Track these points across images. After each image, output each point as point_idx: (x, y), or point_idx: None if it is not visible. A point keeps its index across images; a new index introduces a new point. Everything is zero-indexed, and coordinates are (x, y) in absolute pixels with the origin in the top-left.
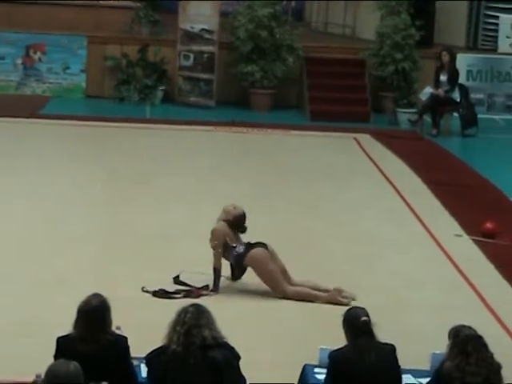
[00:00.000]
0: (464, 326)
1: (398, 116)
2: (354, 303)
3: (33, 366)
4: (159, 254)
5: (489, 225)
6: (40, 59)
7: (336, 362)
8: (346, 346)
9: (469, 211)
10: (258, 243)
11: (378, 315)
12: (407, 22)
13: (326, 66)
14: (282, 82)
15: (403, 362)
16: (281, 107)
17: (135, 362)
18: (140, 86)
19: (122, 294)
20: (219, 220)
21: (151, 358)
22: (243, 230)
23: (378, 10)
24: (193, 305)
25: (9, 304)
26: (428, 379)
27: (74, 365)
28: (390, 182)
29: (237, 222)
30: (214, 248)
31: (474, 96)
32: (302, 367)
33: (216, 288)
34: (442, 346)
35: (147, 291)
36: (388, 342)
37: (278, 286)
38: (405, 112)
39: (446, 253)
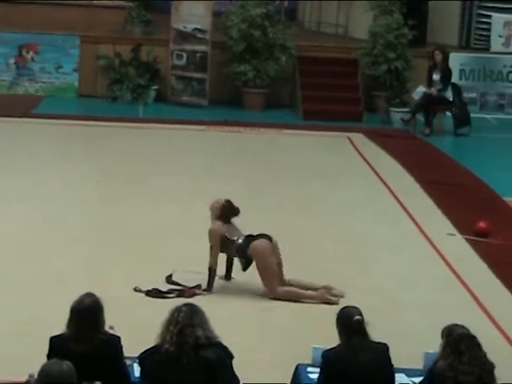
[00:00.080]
0: (457, 325)
1: (390, 115)
2: (344, 301)
3: (29, 365)
4: (152, 253)
5: (482, 224)
6: (33, 59)
7: (329, 361)
8: (339, 345)
9: (461, 210)
10: (262, 235)
11: (372, 314)
12: (400, 21)
13: (318, 66)
14: (274, 82)
15: (396, 361)
16: (274, 106)
17: (128, 362)
18: (133, 86)
19: (115, 293)
20: (212, 220)
21: (144, 358)
22: (236, 212)
23: (371, 10)
24: (186, 304)
25: (4, 304)
26: (421, 378)
27: (66, 364)
28: (383, 182)
29: (226, 213)
30: (211, 248)
31: (466, 95)
32: (294, 367)
33: (210, 288)
34: (435, 345)
35: (140, 291)
36: (381, 341)
37: (270, 282)
38: (398, 111)
39: (438, 252)
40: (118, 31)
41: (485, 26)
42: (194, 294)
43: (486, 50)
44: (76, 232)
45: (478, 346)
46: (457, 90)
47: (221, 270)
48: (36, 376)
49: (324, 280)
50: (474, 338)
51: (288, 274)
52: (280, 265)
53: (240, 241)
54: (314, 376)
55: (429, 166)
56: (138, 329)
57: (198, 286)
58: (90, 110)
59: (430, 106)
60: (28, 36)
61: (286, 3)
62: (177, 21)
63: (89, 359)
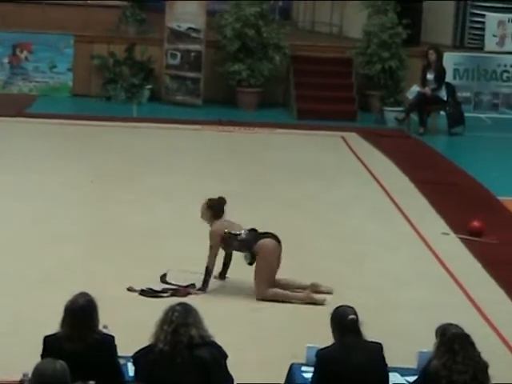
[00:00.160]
0: (451, 325)
1: (384, 114)
2: (338, 301)
3: (19, 363)
4: (146, 252)
5: (476, 223)
6: (27, 58)
7: (323, 360)
8: (333, 344)
9: (456, 210)
10: (272, 234)
11: (366, 313)
12: (394, 20)
13: (312, 65)
14: (268, 81)
15: (390, 361)
16: (268, 106)
17: (122, 361)
18: (127, 85)
19: (108, 292)
20: (210, 223)
21: (138, 357)
22: (222, 202)
23: (365, 9)
24: (180, 304)
25: None
26: (415, 377)
27: (60, 364)
28: (377, 181)
29: (215, 209)
30: (210, 248)
31: (460, 94)
32: (288, 366)
33: (204, 287)
34: (429, 344)
35: (133, 290)
36: (375, 340)
37: (262, 283)
38: (392, 110)
39: (433, 251)
40: (112, 31)
41: (479, 26)
42: (188, 294)
43: (480, 49)
44: (69, 231)
45: (472, 345)
46: (451, 89)
47: (217, 268)
48: (30, 375)
49: (318, 279)
50: (467, 337)
51: (281, 273)
52: (277, 268)
53: (244, 235)
54: (308, 375)
55: (423, 166)
56: (132, 328)
57: (192, 286)
58: (84, 109)
59: (424, 105)
60: (22, 35)
61: (280, 2)
62: (171, 20)
63: (83, 358)
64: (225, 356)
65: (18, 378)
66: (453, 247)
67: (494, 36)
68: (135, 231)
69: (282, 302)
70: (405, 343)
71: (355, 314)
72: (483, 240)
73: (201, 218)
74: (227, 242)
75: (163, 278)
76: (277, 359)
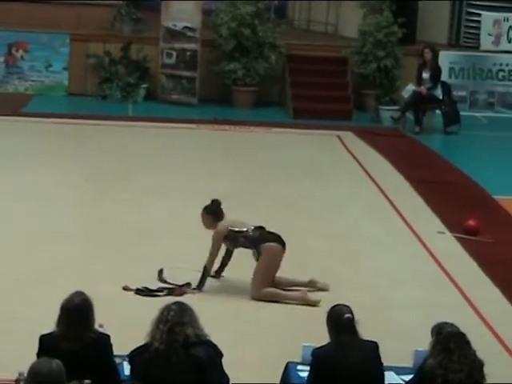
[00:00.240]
0: (446, 324)
1: (380, 113)
2: (334, 299)
3: (14, 362)
4: (142, 251)
5: (471, 222)
6: (22, 57)
7: (319, 359)
8: (329, 343)
9: (451, 208)
10: (278, 237)
11: (361, 312)
12: (389, 19)
13: (308, 64)
14: (264, 80)
15: (386, 359)
16: (263, 105)
17: (118, 360)
18: (122, 84)
19: (104, 291)
20: (215, 226)
21: (134, 356)
22: (217, 203)
23: (361, 8)
24: (176, 303)
25: None
26: (411, 376)
27: (56, 363)
28: (373, 180)
29: (213, 211)
30: (211, 248)
31: (456, 93)
32: (284, 365)
33: (200, 286)
34: (424, 343)
35: (129, 289)
36: (371, 339)
37: (259, 283)
38: (387, 109)
39: (428, 250)
40: (108, 29)
41: (474, 25)
42: (184, 293)
43: (476, 48)
44: (65, 230)
45: (468, 343)
46: (446, 88)
47: (214, 267)
48: (26, 374)
49: (314, 278)
50: (463, 335)
51: (278, 272)
52: (277, 269)
53: (250, 232)
54: (304, 374)
55: (418, 164)
56: (127, 327)
57: (188, 285)
58: (80, 108)
59: (420, 104)
60: (18, 34)
61: (275, 1)
62: (166, 19)
63: (78, 357)
64: (220, 355)
65: (14, 377)
66: (448, 246)
67: (490, 35)
68: (131, 230)
69: (277, 301)
70: (400, 342)
71: (351, 312)
72: (479, 239)
73: (207, 228)
74: (232, 239)
75: (160, 274)
76: (272, 358)
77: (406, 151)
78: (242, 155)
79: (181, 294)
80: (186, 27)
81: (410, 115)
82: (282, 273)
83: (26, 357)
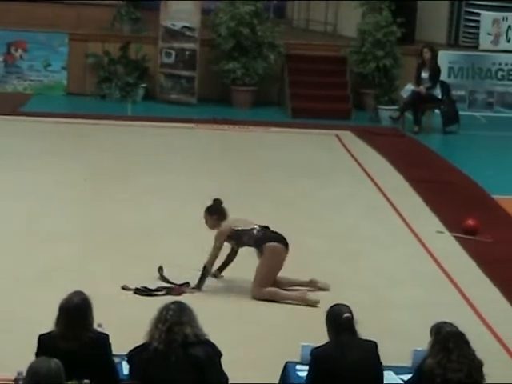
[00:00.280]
0: (445, 323)
1: (379, 113)
2: (333, 299)
3: (13, 362)
4: (141, 251)
5: (470, 222)
6: (21, 56)
7: (318, 358)
8: (328, 342)
9: (450, 208)
10: (282, 238)
11: (360, 312)
12: (388, 19)
13: (307, 64)
14: (263, 79)
15: (385, 359)
16: (262, 104)
17: (117, 360)
18: (121, 84)
19: (103, 291)
20: (219, 226)
21: (133, 356)
22: (219, 202)
23: (360, 8)
24: (174, 302)
25: None
26: (410, 376)
27: (55, 362)
28: (372, 179)
29: (215, 211)
30: (213, 248)
31: (455, 93)
32: (283, 365)
33: (200, 286)
34: (423, 342)
35: (128, 289)
36: (370, 338)
37: (258, 284)
38: (386, 109)
39: (427, 250)
40: (107, 29)
41: (473, 24)
42: (183, 292)
43: (475, 47)
44: (64, 229)
45: (467, 343)
46: (445, 87)
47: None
48: (24, 374)
49: (311, 277)
50: (462, 335)
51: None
52: (279, 270)
53: (255, 232)
54: (303, 374)
55: (417, 164)
56: (126, 327)
57: (187, 284)
58: (79, 107)
59: (419, 103)
60: (16, 34)
61: (274, 1)
62: (165, 18)
63: (77, 357)
64: (219, 354)
65: (13, 376)
66: (447, 246)
67: (489, 34)
68: (130, 230)
69: (277, 301)
70: (399, 341)
71: (350, 312)
72: (478, 238)
73: (211, 229)
74: (236, 238)
75: (160, 271)
76: (271, 358)
77: (405, 151)
78: (241, 155)
79: (179, 294)
80: (184, 27)
81: (409, 115)
82: (282, 272)
83: (26, 357)
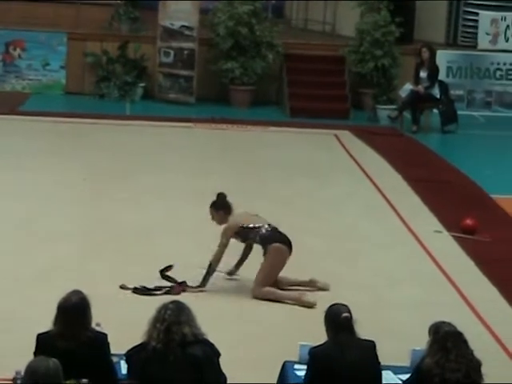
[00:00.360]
0: (444, 323)
1: (377, 112)
2: (331, 298)
3: (12, 362)
4: (140, 250)
5: (468, 221)
6: (20, 56)
7: (316, 358)
8: (326, 342)
9: (448, 208)
10: (287, 240)
11: (359, 311)
12: (387, 18)
13: (305, 63)
14: (261, 79)
15: (383, 359)
16: (260, 104)
17: (115, 359)
18: (120, 83)
19: (102, 290)
20: (225, 221)
21: (131, 355)
22: (223, 195)
23: (358, 7)
24: (173, 302)
25: None
26: (408, 375)
27: (53, 361)
28: (370, 179)
29: (221, 205)
30: (219, 245)
31: (453, 92)
32: (281, 364)
33: (204, 283)
34: (422, 342)
35: (126, 288)
36: (368, 338)
37: (259, 284)
38: (384, 108)
39: (426, 249)
40: (106, 28)
41: (472, 24)
42: (182, 291)
43: (473, 47)
44: (63, 229)
45: (465, 343)
46: (444, 87)
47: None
48: (23, 373)
49: (310, 277)
50: (460, 335)
51: None
52: (280, 271)
53: (264, 230)
54: (302, 373)
55: (416, 164)
56: (124, 326)
57: (184, 283)
58: (77, 107)
59: (417, 103)
60: (15, 33)
61: (273, 1)
62: (164, 18)
63: (76, 356)
64: (218, 354)
65: (11, 375)
66: (446, 245)
67: (487, 34)
68: (129, 229)
69: (275, 301)
70: (398, 341)
71: (349, 312)
72: (476, 238)
73: (219, 224)
74: (243, 234)
75: (163, 273)
76: (270, 357)
77: (403, 150)
78: (240, 154)
79: (178, 293)
80: (183, 26)
81: (407, 114)
82: (281, 271)
83: (25, 356)
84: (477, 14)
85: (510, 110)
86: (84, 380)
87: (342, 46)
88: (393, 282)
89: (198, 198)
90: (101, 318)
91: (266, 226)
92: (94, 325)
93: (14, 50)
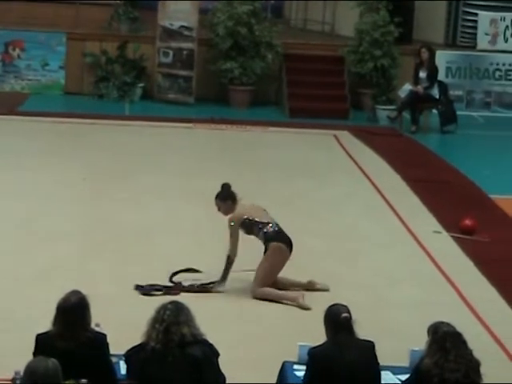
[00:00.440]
0: (443, 323)
1: (376, 113)
2: (331, 298)
3: (11, 361)
4: (140, 250)
5: (467, 221)
6: (19, 56)
7: (315, 358)
8: (325, 342)
9: (448, 208)
10: (289, 240)
11: (358, 312)
12: (386, 18)
13: (305, 63)
14: (261, 79)
15: (382, 359)
16: (260, 104)
17: (114, 359)
18: (119, 83)
19: (101, 290)
20: (232, 211)
21: (130, 355)
22: (227, 186)
23: (357, 7)
24: (172, 302)
25: None
26: (407, 376)
27: (52, 362)
28: (369, 179)
29: (226, 195)
30: (230, 236)
31: (453, 93)
32: (281, 364)
33: (225, 277)
34: (421, 342)
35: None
36: (367, 338)
37: (258, 283)
38: (384, 109)
39: (425, 249)
40: (105, 28)
41: (471, 24)
42: (181, 291)
43: (473, 47)
44: (63, 229)
45: (464, 343)
46: (443, 87)
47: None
48: (22, 373)
49: (311, 277)
50: (459, 335)
51: None
52: (279, 271)
53: (268, 228)
54: (301, 373)
55: (415, 164)
56: (124, 326)
57: (180, 284)
58: (77, 107)
59: (417, 103)
60: (14, 33)
61: (272, 1)
62: (163, 18)
63: (75, 357)
64: (217, 354)
65: (10, 375)
66: (445, 245)
67: (487, 34)
68: (129, 229)
69: (273, 301)
70: (397, 341)
71: (348, 312)
72: (475, 238)
73: (225, 214)
74: (247, 226)
75: (177, 273)
76: (269, 358)
77: (402, 150)
78: (239, 154)
79: (177, 293)
80: (182, 26)
81: (406, 114)
82: (281, 272)
83: (24, 356)
84: (476, 14)
85: (509, 111)
86: (83, 380)
87: (341, 46)
88: (392, 282)
89: (197, 198)
90: (100, 318)
91: (272, 225)
92: (93, 325)
93: (13, 50)
